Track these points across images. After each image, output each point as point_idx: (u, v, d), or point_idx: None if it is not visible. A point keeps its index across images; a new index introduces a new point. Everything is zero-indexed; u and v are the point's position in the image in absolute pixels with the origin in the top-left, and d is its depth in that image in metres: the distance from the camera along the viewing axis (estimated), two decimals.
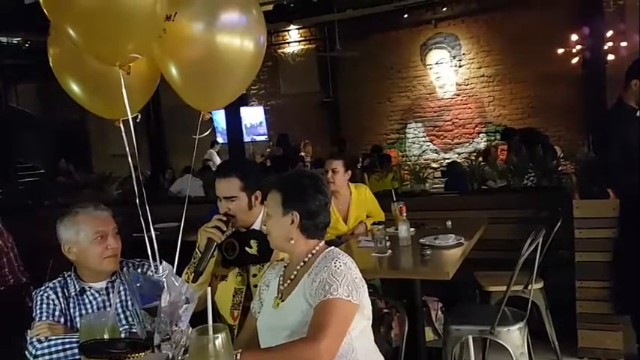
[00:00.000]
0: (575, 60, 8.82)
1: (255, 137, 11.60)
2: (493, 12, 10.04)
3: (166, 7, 1.79)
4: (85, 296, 2.02)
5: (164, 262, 1.63)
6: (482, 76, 10.44)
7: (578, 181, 3.78)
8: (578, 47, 8.72)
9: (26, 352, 1.85)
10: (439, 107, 10.91)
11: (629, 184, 3.24)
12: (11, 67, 10.91)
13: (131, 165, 1.91)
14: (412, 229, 3.38)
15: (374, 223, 3.32)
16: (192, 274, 2.07)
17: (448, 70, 10.72)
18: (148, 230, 1.83)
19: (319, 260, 1.76)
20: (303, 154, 9.63)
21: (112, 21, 1.66)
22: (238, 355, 1.52)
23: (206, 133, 2.07)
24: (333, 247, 1.84)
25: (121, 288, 2.01)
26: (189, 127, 2.17)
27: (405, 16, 10.27)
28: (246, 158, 7.80)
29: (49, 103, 12.63)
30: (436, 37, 10.71)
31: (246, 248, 2.15)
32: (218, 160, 10.24)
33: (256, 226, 2.19)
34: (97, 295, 2.02)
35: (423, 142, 11.16)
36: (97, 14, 1.64)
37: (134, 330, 1.82)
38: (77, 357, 1.75)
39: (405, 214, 3.47)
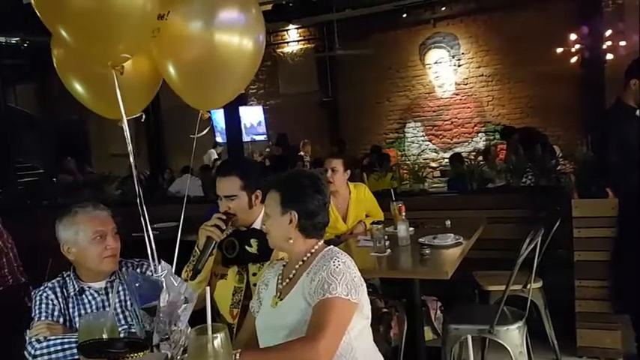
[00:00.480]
0: (574, 59, 8.82)
1: (254, 137, 11.60)
2: (492, 11, 10.04)
3: (158, 6, 1.78)
4: (84, 296, 2.02)
5: (163, 262, 1.63)
6: (481, 75, 10.45)
7: (577, 180, 3.78)
8: (577, 47, 8.73)
9: (25, 352, 1.85)
10: (438, 107, 10.92)
11: (628, 184, 3.25)
12: (10, 67, 10.89)
13: (132, 165, 1.91)
14: (411, 229, 3.39)
15: (373, 223, 3.33)
16: (191, 272, 2.07)
17: (447, 70, 10.72)
18: (147, 230, 1.83)
19: (318, 259, 1.76)
20: (302, 153, 9.63)
21: (102, 21, 1.66)
22: (237, 354, 1.52)
23: (204, 132, 2.07)
24: (331, 246, 1.85)
25: (120, 288, 2.01)
26: (188, 127, 2.17)
27: (404, 15, 10.26)
28: (247, 158, 7.80)
29: (48, 103, 12.64)
30: (435, 37, 10.71)
31: (247, 247, 2.15)
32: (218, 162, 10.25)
33: (256, 225, 2.19)
34: (96, 295, 2.02)
35: (422, 141, 11.16)
36: (87, 14, 1.64)
37: (133, 330, 1.82)
38: (76, 357, 1.75)
39: (404, 214, 3.48)
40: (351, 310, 1.67)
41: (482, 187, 4.70)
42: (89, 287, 2.03)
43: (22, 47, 10.02)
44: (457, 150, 10.36)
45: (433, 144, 11.06)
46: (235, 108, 7.45)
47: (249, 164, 2.44)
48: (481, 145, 10.33)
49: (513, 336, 2.79)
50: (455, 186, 5.40)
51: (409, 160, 10.13)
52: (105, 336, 1.49)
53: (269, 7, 9.20)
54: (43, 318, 1.95)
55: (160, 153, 11.31)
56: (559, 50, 8.80)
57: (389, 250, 3.11)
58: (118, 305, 1.99)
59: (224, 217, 2.09)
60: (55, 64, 2.05)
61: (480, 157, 6.48)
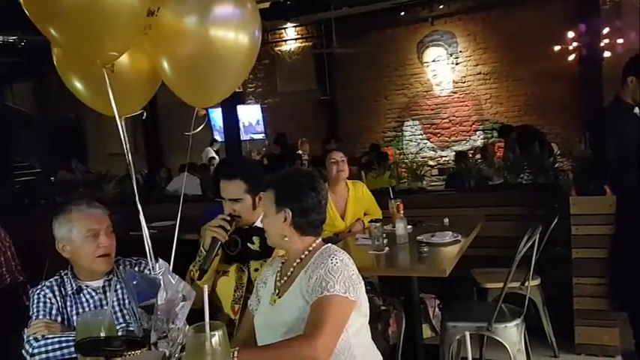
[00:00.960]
0: (571, 57, 8.83)
1: (252, 136, 11.59)
2: (490, 9, 10.04)
3: (147, 3, 1.77)
4: (81, 295, 2.01)
5: (160, 260, 1.63)
6: (479, 73, 10.44)
7: (575, 178, 3.78)
8: (575, 44, 8.73)
9: (23, 351, 1.85)
10: (436, 105, 10.91)
11: (626, 181, 3.25)
12: (7, 66, 10.87)
13: (130, 163, 1.91)
14: (409, 227, 3.39)
15: (371, 221, 3.33)
16: (198, 271, 2.10)
17: (445, 68, 10.71)
18: (144, 228, 1.83)
19: (316, 257, 1.76)
20: (300, 152, 9.62)
21: (89, 20, 1.65)
22: (235, 352, 1.52)
23: (199, 129, 2.06)
24: (329, 244, 1.85)
25: (118, 286, 2.01)
26: (185, 124, 2.16)
27: (402, 13, 10.25)
28: (251, 160, 7.81)
29: (45, 102, 12.61)
30: (433, 35, 10.70)
31: (249, 244, 2.19)
32: (217, 159, 10.24)
33: (258, 223, 2.21)
34: (93, 293, 2.02)
35: (420, 139, 11.16)
36: (74, 13, 1.64)
37: (131, 328, 1.82)
38: (74, 355, 1.75)
39: (402, 212, 3.48)
40: (349, 307, 1.67)
41: (481, 184, 4.71)
42: (87, 286, 2.02)
43: (20, 46, 9.98)
44: (455, 148, 10.36)
45: (431, 142, 11.06)
46: (233, 106, 7.45)
47: (253, 167, 2.48)
48: (479, 143, 10.32)
49: (511, 333, 2.79)
50: (453, 184, 5.41)
51: (407, 159, 10.13)
52: (102, 334, 1.48)
53: (267, 4, 9.18)
54: (40, 316, 1.94)
55: (158, 151, 11.28)
56: (557, 48, 8.80)
57: (387, 248, 3.11)
58: (115, 303, 1.99)
59: (228, 218, 2.13)
60: (55, 62, 2.04)
61: (478, 155, 6.49)
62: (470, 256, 3.17)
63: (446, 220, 3.68)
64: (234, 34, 1.91)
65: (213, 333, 1.23)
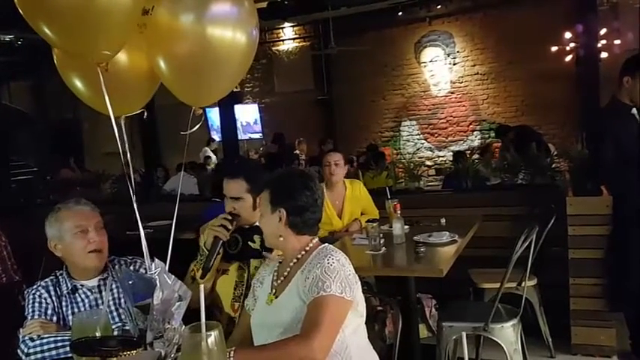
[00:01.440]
0: (568, 58, 8.85)
1: (250, 135, 11.58)
2: (487, 10, 10.05)
3: (142, 1, 1.76)
4: (77, 294, 2.01)
5: (156, 260, 1.62)
6: (477, 73, 10.45)
7: (572, 178, 3.78)
8: (572, 45, 8.75)
9: (18, 351, 1.85)
10: (433, 105, 10.92)
11: (623, 181, 3.25)
12: (4, 65, 10.84)
13: (129, 163, 1.90)
14: (406, 227, 3.39)
15: (368, 221, 3.32)
16: (200, 270, 2.14)
17: (442, 68, 10.72)
18: (140, 228, 1.83)
19: (312, 257, 1.76)
20: (297, 152, 9.62)
21: (81, 17, 1.64)
22: (232, 352, 1.52)
23: (195, 128, 2.05)
24: (326, 244, 1.85)
25: (114, 286, 2.01)
26: (182, 124, 2.16)
27: (400, 13, 10.26)
28: (254, 160, 7.82)
29: (42, 101, 12.58)
30: (430, 35, 10.71)
31: (249, 243, 2.23)
32: (214, 158, 10.23)
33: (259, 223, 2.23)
34: (89, 293, 2.02)
35: (418, 139, 11.16)
36: (66, 10, 1.62)
37: (127, 328, 1.81)
38: (69, 355, 1.74)
39: (399, 212, 3.48)
40: (346, 307, 1.67)
41: (478, 185, 4.71)
42: (82, 285, 2.02)
43: (17, 44, 9.96)
44: (452, 148, 10.37)
45: (428, 142, 11.07)
46: (230, 106, 7.44)
47: (255, 167, 2.53)
48: (476, 143, 10.34)
49: (508, 333, 2.80)
50: (450, 184, 5.41)
51: (404, 159, 10.13)
52: (98, 334, 1.48)
53: (264, 4, 9.17)
54: (36, 316, 1.94)
55: (155, 151, 11.27)
56: (554, 48, 8.82)
57: (384, 248, 3.11)
58: (111, 303, 1.98)
59: (229, 217, 2.17)
60: (55, 61, 2.03)
61: (476, 155, 6.49)
62: (467, 256, 3.17)
63: (443, 221, 3.68)
64: (231, 33, 1.89)
65: (209, 333, 1.23)
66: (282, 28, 11.76)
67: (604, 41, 8.49)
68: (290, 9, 9.66)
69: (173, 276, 1.57)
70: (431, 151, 11.03)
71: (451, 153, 9.52)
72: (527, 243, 2.81)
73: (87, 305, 2.00)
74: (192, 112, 2.04)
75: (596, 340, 3.49)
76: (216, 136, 10.48)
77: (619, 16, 8.71)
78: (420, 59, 10.89)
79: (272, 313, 1.78)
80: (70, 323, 1.90)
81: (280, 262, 1.90)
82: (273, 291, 1.83)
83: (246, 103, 12.11)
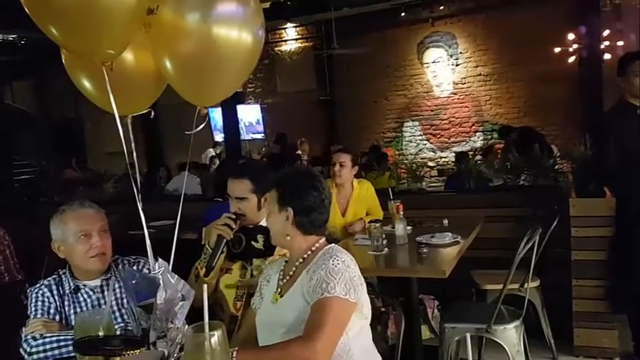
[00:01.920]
0: (571, 59, 8.82)
1: (252, 135, 11.58)
2: (490, 11, 10.03)
3: (146, 1, 1.76)
4: (79, 294, 2.01)
5: (160, 260, 1.62)
6: (479, 74, 10.44)
7: (575, 179, 3.78)
8: (575, 46, 8.72)
9: (21, 350, 1.85)
10: (436, 106, 10.91)
11: (628, 183, 3.24)
12: (7, 64, 10.86)
13: (134, 163, 1.90)
14: (409, 228, 3.39)
15: (371, 222, 3.32)
16: (204, 269, 2.15)
17: (445, 69, 10.71)
18: (144, 228, 1.83)
19: (318, 257, 1.75)
20: (299, 152, 9.62)
21: (86, 16, 1.64)
22: (234, 352, 1.52)
23: (200, 128, 2.06)
24: (333, 244, 1.84)
25: (117, 285, 2.01)
26: (185, 124, 2.16)
27: (402, 14, 10.24)
28: (259, 161, 7.82)
29: (45, 101, 12.59)
30: (433, 36, 10.70)
31: (253, 242, 2.25)
32: (216, 160, 10.23)
33: (264, 223, 2.26)
34: (91, 293, 2.02)
35: (420, 140, 11.15)
36: (71, 9, 1.63)
37: (130, 327, 1.81)
38: (72, 354, 1.74)
39: (401, 213, 3.47)
40: (350, 309, 1.66)
41: (480, 186, 4.70)
42: (84, 285, 2.02)
43: (20, 44, 9.98)
44: (455, 149, 10.37)
45: (431, 143, 11.06)
46: (233, 106, 7.45)
47: (260, 168, 2.55)
48: (479, 144, 10.33)
49: (510, 335, 2.79)
50: (452, 185, 5.40)
51: (407, 159, 10.12)
52: (101, 333, 1.48)
53: (267, 5, 9.19)
54: (39, 315, 1.94)
55: (157, 150, 11.28)
56: (557, 50, 8.79)
57: (387, 249, 3.11)
58: (114, 302, 1.98)
59: (233, 216, 2.19)
60: (63, 61, 2.03)
61: (478, 156, 6.48)
62: (469, 257, 3.17)
63: (445, 221, 3.68)
64: (236, 33, 1.88)
65: (212, 333, 1.22)
66: (285, 28, 11.76)
67: (607, 42, 8.47)
68: (292, 9, 9.67)
69: (176, 276, 1.57)
70: (433, 152, 11.02)
71: (453, 154, 9.52)
72: (530, 244, 2.80)
73: (89, 305, 2.00)
74: (196, 111, 2.04)
75: (598, 342, 3.48)
76: (219, 136, 10.48)
77: (622, 17, 8.69)
78: (422, 60, 10.88)
79: (276, 312, 1.77)
80: (73, 322, 1.91)
81: (287, 261, 1.90)
82: (279, 290, 1.82)
83: (249, 103, 12.11)
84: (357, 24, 10.29)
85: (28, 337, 1.84)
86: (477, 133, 10.62)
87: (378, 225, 3.15)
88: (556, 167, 4.30)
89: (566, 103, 9.26)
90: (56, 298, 1.98)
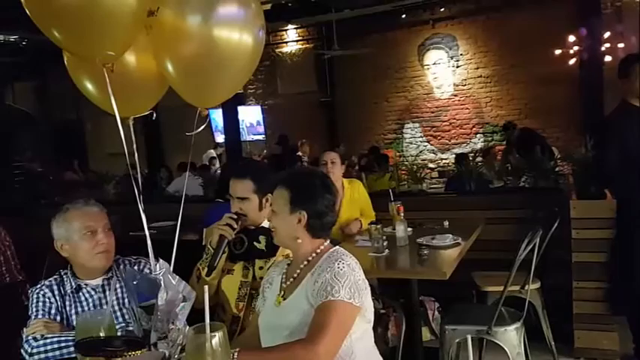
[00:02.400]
0: (572, 61, 8.83)
1: (253, 137, 11.59)
2: (491, 13, 10.04)
3: (147, 2, 1.76)
4: (81, 294, 2.01)
5: (161, 260, 1.62)
6: (480, 76, 10.45)
7: (575, 181, 3.78)
8: (576, 48, 8.73)
9: (22, 351, 1.84)
10: (436, 108, 10.92)
11: (631, 184, 3.24)
12: (8, 65, 10.87)
13: (136, 164, 1.90)
14: (409, 229, 3.38)
15: (371, 223, 3.32)
16: (205, 269, 2.17)
17: (446, 71, 10.72)
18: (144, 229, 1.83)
19: (323, 260, 1.75)
20: (300, 153, 9.62)
21: (86, 18, 1.65)
22: (235, 354, 1.51)
23: (200, 129, 2.06)
24: (337, 247, 1.83)
25: (118, 285, 2.01)
26: (186, 125, 2.17)
27: (403, 16, 10.26)
28: (261, 162, 7.82)
29: (46, 102, 12.60)
30: (434, 38, 10.71)
31: (255, 243, 2.25)
32: (217, 161, 10.23)
33: (265, 224, 2.27)
34: (92, 292, 2.02)
35: (420, 142, 11.15)
36: (72, 11, 1.63)
37: (131, 328, 1.81)
38: (73, 355, 1.74)
39: (402, 214, 3.47)
40: (354, 313, 1.65)
41: (481, 187, 4.70)
42: (86, 285, 2.02)
43: (21, 45, 9.99)
44: (455, 151, 10.37)
45: (431, 145, 11.06)
46: (234, 107, 7.46)
47: (262, 168, 2.56)
48: (479, 146, 10.33)
49: (511, 337, 2.79)
50: (453, 186, 5.40)
51: (407, 161, 10.12)
52: (102, 334, 1.48)
53: (268, 6, 9.19)
54: (40, 316, 1.94)
55: (158, 152, 11.28)
56: (558, 52, 8.80)
57: (387, 251, 3.11)
58: (115, 303, 1.98)
59: (235, 216, 2.20)
60: (65, 63, 2.03)
61: (479, 158, 6.48)
62: (470, 259, 3.17)
63: (446, 223, 3.68)
64: (237, 34, 1.88)
65: (213, 334, 1.22)
66: (286, 30, 11.77)
67: (608, 45, 8.47)
68: (293, 11, 9.69)
69: (177, 277, 1.57)
70: (434, 153, 11.02)
71: (454, 155, 9.54)
72: (531, 246, 2.80)
73: (90, 305, 2.00)
74: (197, 113, 2.04)
75: (599, 344, 3.48)
76: (220, 137, 10.48)
77: (623, 19, 8.70)
78: (423, 62, 10.88)
79: (279, 315, 1.76)
80: (74, 323, 1.91)
81: (289, 264, 1.89)
82: (282, 292, 1.81)
83: (250, 104, 12.12)
84: (358, 26, 10.30)
85: (29, 337, 1.84)
86: (478, 135, 10.62)
87: (378, 226, 3.15)
88: (557, 169, 4.30)
89: (567, 105, 9.26)
90: (57, 298, 1.98)
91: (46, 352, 1.80)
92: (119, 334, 1.74)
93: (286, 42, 12.02)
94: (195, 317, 1.43)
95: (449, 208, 4.41)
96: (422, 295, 3.46)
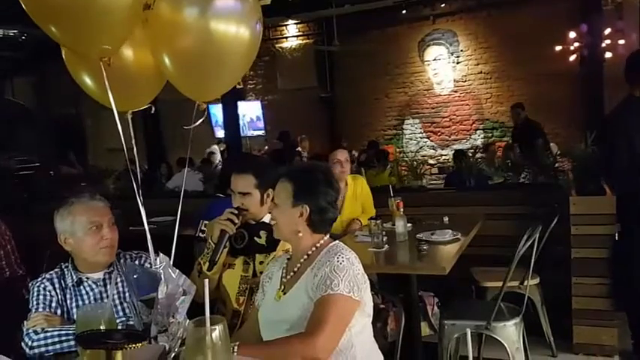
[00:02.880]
0: (572, 57, 8.81)
1: (253, 132, 11.58)
2: (491, 9, 10.02)
3: None
4: (81, 287, 2.01)
5: (161, 254, 1.62)
6: (480, 72, 10.43)
7: (575, 177, 3.78)
8: (576, 45, 8.71)
9: (22, 344, 1.85)
10: (437, 103, 10.91)
11: (634, 180, 3.23)
12: (7, 60, 10.85)
13: (136, 159, 1.90)
14: (409, 225, 3.39)
15: (371, 218, 3.32)
16: (207, 263, 2.17)
17: (446, 67, 10.70)
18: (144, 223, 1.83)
19: (322, 254, 1.75)
20: (299, 149, 9.62)
21: (81, 12, 1.64)
22: (235, 347, 1.52)
23: (198, 122, 2.06)
24: (337, 241, 1.83)
25: (119, 279, 2.01)
26: (186, 119, 2.17)
27: (404, 12, 10.23)
28: (263, 157, 7.81)
29: (45, 97, 12.57)
30: (434, 34, 10.69)
31: (255, 238, 2.25)
32: (219, 156, 10.22)
33: (266, 219, 2.27)
34: (94, 286, 2.02)
35: (420, 138, 11.15)
36: (67, 4, 1.63)
37: (131, 322, 1.82)
38: (73, 348, 1.75)
39: (402, 210, 3.48)
40: (353, 307, 1.66)
41: (481, 183, 4.70)
42: (87, 278, 2.02)
43: (20, 40, 9.97)
44: (455, 147, 10.37)
45: (431, 141, 11.05)
46: (234, 103, 7.45)
47: (264, 163, 2.56)
48: (479, 142, 10.32)
49: (510, 332, 2.80)
50: (452, 182, 5.41)
51: (407, 157, 10.12)
52: (102, 327, 1.48)
53: (268, 1, 9.17)
54: (40, 309, 1.95)
55: (158, 147, 11.27)
56: (558, 48, 8.78)
57: (387, 246, 3.11)
58: (116, 297, 1.99)
59: (236, 211, 2.19)
60: (64, 57, 2.03)
61: (479, 154, 6.49)
62: (469, 254, 3.17)
63: (445, 219, 3.68)
64: (234, 27, 1.87)
65: (213, 327, 1.22)
66: (286, 25, 11.75)
67: (608, 41, 8.46)
68: (294, 6, 9.66)
69: (178, 270, 1.57)
70: (434, 149, 11.02)
71: (454, 151, 9.53)
72: (530, 242, 2.81)
73: (91, 298, 2.00)
74: (195, 106, 2.04)
75: (598, 340, 3.49)
76: (220, 132, 10.47)
77: (623, 15, 8.68)
78: (423, 58, 10.87)
79: (279, 309, 1.77)
80: (74, 316, 1.92)
81: (289, 258, 1.89)
82: (282, 287, 1.81)
83: (249, 100, 12.11)
84: (358, 21, 10.28)
85: (30, 331, 1.85)
86: (478, 131, 10.61)
87: (378, 221, 3.15)
88: (556, 165, 4.30)
89: (567, 102, 9.25)
90: (58, 291, 1.99)
91: (46, 345, 1.81)
92: (120, 327, 1.74)
93: (286, 37, 11.99)
94: (195, 311, 1.43)
95: (448, 204, 4.41)
96: (421, 290, 3.46)
